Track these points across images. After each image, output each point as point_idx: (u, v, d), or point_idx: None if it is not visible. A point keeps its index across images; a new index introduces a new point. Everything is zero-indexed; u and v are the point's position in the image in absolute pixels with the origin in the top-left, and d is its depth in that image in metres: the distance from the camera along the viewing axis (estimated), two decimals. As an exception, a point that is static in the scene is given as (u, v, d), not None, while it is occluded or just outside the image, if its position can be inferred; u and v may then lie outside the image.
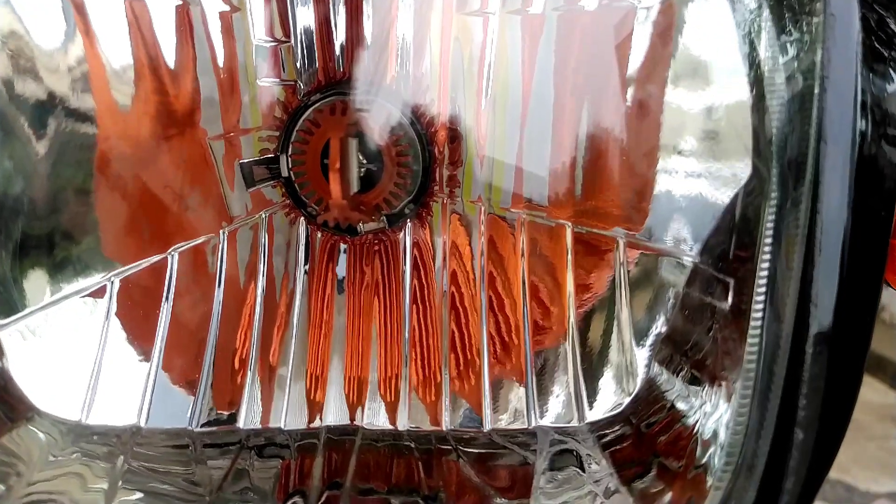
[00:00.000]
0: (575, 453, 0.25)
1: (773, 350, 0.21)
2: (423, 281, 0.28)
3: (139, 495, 0.22)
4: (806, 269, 0.22)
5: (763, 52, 0.20)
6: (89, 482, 0.22)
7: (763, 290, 0.21)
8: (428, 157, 0.26)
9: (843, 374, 0.22)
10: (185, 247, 0.26)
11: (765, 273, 0.21)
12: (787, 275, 0.21)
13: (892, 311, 3.40)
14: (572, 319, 0.27)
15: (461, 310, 0.28)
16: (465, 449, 0.25)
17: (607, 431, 0.26)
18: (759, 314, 0.21)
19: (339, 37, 0.24)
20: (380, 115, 0.25)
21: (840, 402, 0.22)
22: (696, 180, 0.23)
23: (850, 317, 0.22)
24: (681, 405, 0.24)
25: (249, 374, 0.26)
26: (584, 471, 0.24)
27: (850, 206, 0.21)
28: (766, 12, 0.20)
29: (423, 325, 0.28)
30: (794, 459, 0.21)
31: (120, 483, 0.23)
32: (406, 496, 0.24)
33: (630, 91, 0.25)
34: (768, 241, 0.21)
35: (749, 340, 0.21)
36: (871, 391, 2.57)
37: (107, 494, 0.22)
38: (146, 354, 0.26)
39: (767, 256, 0.22)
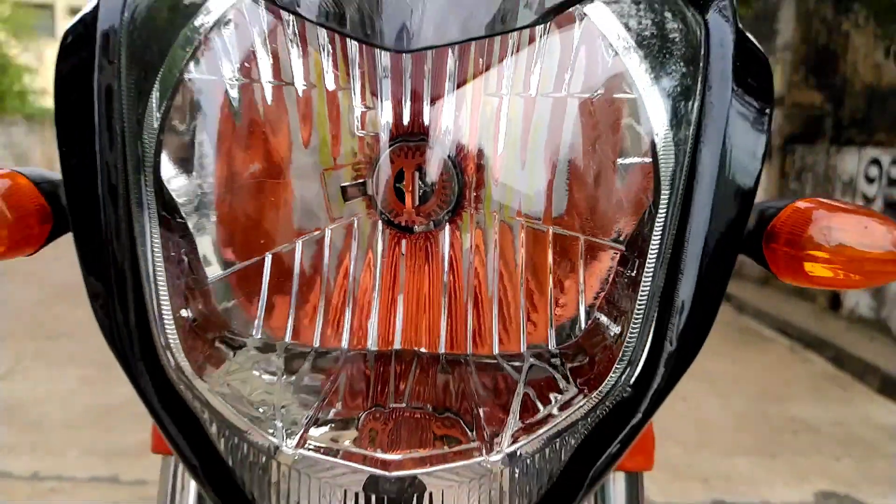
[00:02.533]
0: (547, 367, 0.39)
1: (652, 298, 0.35)
2: (454, 266, 0.42)
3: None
4: (675, 249, 0.36)
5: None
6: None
7: (653, 258, 0.36)
8: (461, 183, 0.40)
9: (701, 303, 0.36)
10: (308, 237, 0.41)
11: (655, 251, 0.36)
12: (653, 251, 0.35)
13: (916, 338, 3.41)
14: (551, 294, 0.42)
15: (480, 283, 0.42)
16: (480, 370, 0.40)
17: (568, 353, 0.40)
18: (649, 276, 0.35)
19: (408, 107, 0.39)
20: (433, 156, 0.39)
21: (699, 324, 0.36)
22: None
23: (709, 280, 0.36)
24: (609, 330, 0.39)
25: (348, 310, 0.41)
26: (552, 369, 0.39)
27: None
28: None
29: (455, 292, 0.42)
30: (665, 359, 0.35)
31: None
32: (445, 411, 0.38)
33: (592, 154, 0.39)
34: (658, 228, 0.35)
35: (641, 291, 0.35)
36: (886, 412, 2.64)
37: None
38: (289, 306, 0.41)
39: (656, 243, 0.36)
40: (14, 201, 0.38)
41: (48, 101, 11.98)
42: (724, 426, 2.39)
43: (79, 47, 0.36)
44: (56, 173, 0.41)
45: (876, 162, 3.78)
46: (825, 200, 0.36)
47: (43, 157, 11.48)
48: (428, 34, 0.33)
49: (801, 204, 0.37)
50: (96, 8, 0.36)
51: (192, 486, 0.56)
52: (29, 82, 10.87)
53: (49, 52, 14.11)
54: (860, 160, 3.92)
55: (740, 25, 0.36)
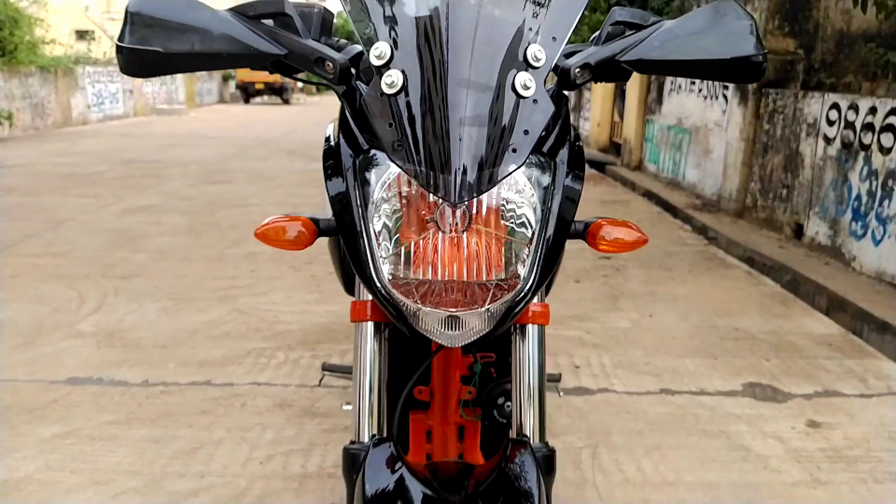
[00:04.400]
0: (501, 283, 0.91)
1: (536, 255, 0.86)
2: (468, 247, 0.92)
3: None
4: (542, 237, 0.87)
5: None
6: None
7: (536, 242, 0.87)
8: (471, 219, 0.86)
9: (549, 257, 0.85)
10: (424, 234, 0.88)
11: (538, 237, 0.87)
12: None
13: (861, 262, 3.92)
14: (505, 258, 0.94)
15: (478, 255, 0.92)
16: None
17: (506, 280, 0.92)
18: (534, 248, 0.88)
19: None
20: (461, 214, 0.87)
21: (547, 263, 0.83)
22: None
23: (554, 248, 0.85)
24: (520, 271, 0.91)
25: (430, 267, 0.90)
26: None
27: None
28: None
29: (466, 259, 0.93)
30: (537, 277, 0.85)
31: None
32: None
33: None
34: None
35: (533, 255, 0.86)
36: (818, 324, 3.21)
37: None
38: None
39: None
40: (303, 224, 0.88)
41: (58, 52, 12.21)
42: (679, 335, 2.96)
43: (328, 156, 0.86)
44: (309, 212, 0.89)
45: (836, 106, 4.22)
46: (609, 218, 0.88)
47: (58, 106, 11.82)
48: (464, 195, 0.72)
49: (601, 220, 0.88)
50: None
51: (370, 343, 0.90)
52: (40, 34, 11.11)
53: (54, 2, 14.05)
54: (823, 104, 4.36)
55: (578, 144, 0.86)
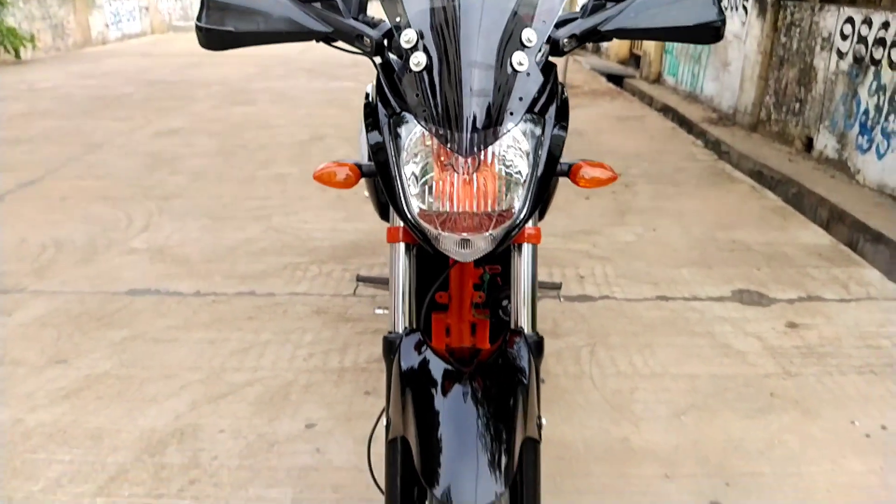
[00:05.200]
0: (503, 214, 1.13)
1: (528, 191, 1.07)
2: (479, 185, 1.13)
3: None
4: (534, 173, 1.08)
5: None
6: None
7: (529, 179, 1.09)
8: (480, 160, 1.02)
9: (538, 191, 1.05)
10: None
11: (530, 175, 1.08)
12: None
13: (865, 175, 4.07)
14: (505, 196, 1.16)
15: (487, 189, 1.14)
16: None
17: (505, 211, 1.15)
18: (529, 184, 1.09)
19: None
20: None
21: (537, 197, 1.05)
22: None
23: (542, 183, 1.07)
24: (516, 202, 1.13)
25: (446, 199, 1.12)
26: None
27: None
28: None
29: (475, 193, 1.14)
30: (529, 207, 1.05)
31: None
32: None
33: None
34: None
35: (527, 191, 1.07)
36: (812, 235, 3.41)
37: None
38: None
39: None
40: (350, 169, 1.11)
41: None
42: (679, 247, 3.19)
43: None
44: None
45: (850, 20, 4.24)
46: (588, 160, 1.09)
47: (78, 26, 11.86)
48: (473, 148, 0.94)
49: (581, 162, 1.09)
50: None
51: (402, 259, 1.12)
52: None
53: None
54: (838, 18, 4.37)
55: (564, 94, 1.07)
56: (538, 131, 1.03)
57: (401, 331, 1.12)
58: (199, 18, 1.01)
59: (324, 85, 7.89)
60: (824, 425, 1.93)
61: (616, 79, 8.18)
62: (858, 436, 1.88)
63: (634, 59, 8.83)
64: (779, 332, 2.43)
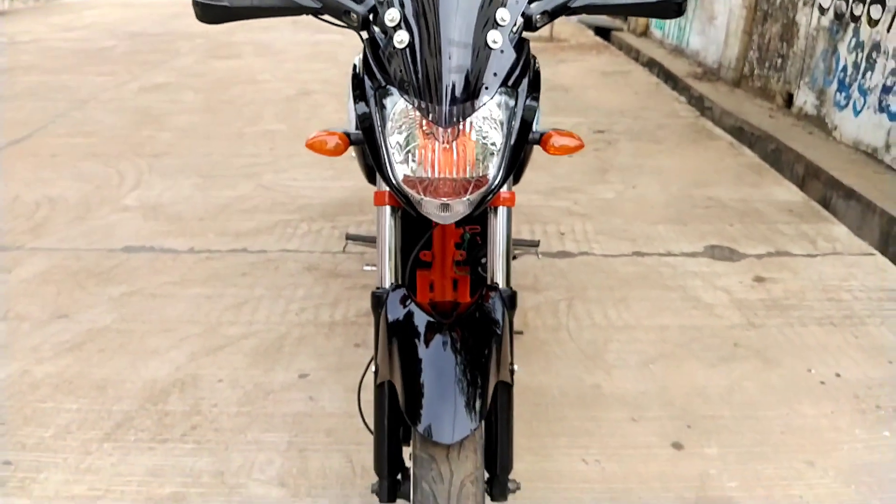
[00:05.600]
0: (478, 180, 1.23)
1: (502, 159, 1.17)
2: (458, 153, 1.23)
3: None
4: (507, 141, 1.17)
5: None
6: None
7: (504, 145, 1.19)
8: (459, 130, 1.10)
9: (511, 157, 1.15)
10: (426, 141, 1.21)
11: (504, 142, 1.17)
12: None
13: (841, 132, 4.17)
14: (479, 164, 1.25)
15: (468, 155, 1.24)
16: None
17: (481, 177, 1.25)
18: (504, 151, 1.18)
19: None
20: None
21: (511, 163, 1.15)
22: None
23: (515, 150, 1.16)
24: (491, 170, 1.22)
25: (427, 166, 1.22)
26: None
27: None
28: None
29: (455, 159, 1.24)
30: (504, 171, 1.15)
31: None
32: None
33: None
34: None
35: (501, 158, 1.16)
36: (786, 192, 3.52)
37: None
38: None
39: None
40: (339, 138, 1.19)
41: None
42: (656, 204, 3.30)
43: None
44: (343, 127, 1.21)
45: (833, -24, 4.27)
46: (558, 129, 1.18)
47: (55, -27, 11.54)
48: (451, 119, 1.04)
49: (552, 131, 1.19)
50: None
51: (388, 221, 1.20)
52: None
53: None
54: (821, -27, 4.40)
55: (536, 65, 1.16)
56: (512, 103, 1.12)
57: (387, 286, 1.22)
58: None
59: (309, 37, 7.82)
60: (783, 373, 2.08)
61: (604, 32, 8.16)
62: (814, 383, 2.03)
63: (622, 12, 8.77)
64: (746, 285, 2.57)
